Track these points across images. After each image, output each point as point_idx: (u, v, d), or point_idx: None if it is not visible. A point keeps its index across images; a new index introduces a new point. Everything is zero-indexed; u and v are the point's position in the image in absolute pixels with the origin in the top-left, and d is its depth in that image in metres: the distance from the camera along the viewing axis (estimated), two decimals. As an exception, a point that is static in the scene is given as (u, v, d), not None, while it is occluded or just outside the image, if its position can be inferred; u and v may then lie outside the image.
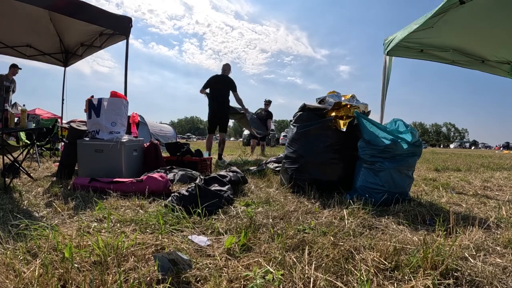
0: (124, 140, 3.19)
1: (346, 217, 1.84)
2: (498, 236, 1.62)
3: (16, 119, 3.59)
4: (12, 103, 6.04)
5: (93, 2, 4.38)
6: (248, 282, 1.07)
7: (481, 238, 1.53)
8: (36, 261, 1.16)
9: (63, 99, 6.57)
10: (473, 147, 56.92)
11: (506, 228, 1.81)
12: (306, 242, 1.43)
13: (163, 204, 2.07)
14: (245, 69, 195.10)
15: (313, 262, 1.22)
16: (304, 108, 2.88)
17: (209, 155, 5.72)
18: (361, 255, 1.31)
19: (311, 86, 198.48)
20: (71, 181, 2.87)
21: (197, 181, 2.35)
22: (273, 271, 1.12)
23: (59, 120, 6.49)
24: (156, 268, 1.12)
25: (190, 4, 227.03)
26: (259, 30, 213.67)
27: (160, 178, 2.59)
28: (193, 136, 70.42)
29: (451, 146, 61.99)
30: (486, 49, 3.89)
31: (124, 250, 1.26)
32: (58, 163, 3.55)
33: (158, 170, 3.21)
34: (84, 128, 3.52)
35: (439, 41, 3.75)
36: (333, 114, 2.72)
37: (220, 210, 2.01)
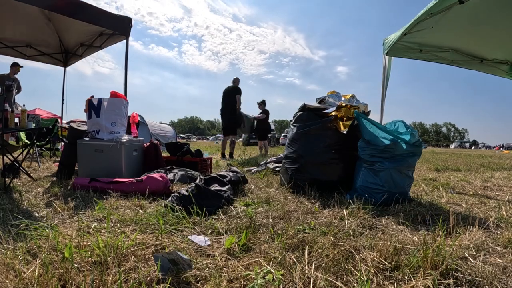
0: (124, 140, 3.20)
1: (346, 217, 1.84)
2: (498, 236, 1.62)
3: (16, 119, 3.58)
4: (13, 102, 5.99)
5: (93, 4, 4.38)
6: (248, 282, 1.07)
7: (481, 238, 1.53)
8: (36, 261, 1.16)
9: (63, 99, 6.57)
10: (473, 147, 57.01)
11: (506, 228, 1.81)
12: (306, 242, 1.43)
13: (163, 204, 2.07)
14: (244, 70, 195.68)
15: (313, 262, 1.22)
16: (304, 108, 2.88)
17: (223, 156, 6.84)
18: (361, 255, 1.31)
19: (309, 87, 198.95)
20: (71, 181, 2.88)
21: (197, 181, 2.36)
22: (273, 271, 1.12)
23: (59, 120, 6.49)
24: (156, 268, 1.12)
25: (189, 7, 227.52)
26: (256, 32, 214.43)
27: (160, 178, 2.59)
28: (193, 136, 70.46)
29: (451, 146, 62.03)
30: (485, 49, 3.90)
31: (124, 250, 1.26)
32: (58, 163, 3.55)
33: (158, 170, 3.21)
34: (84, 128, 3.52)
35: (439, 41, 3.76)
36: (333, 114, 2.72)
37: (220, 210, 2.01)
